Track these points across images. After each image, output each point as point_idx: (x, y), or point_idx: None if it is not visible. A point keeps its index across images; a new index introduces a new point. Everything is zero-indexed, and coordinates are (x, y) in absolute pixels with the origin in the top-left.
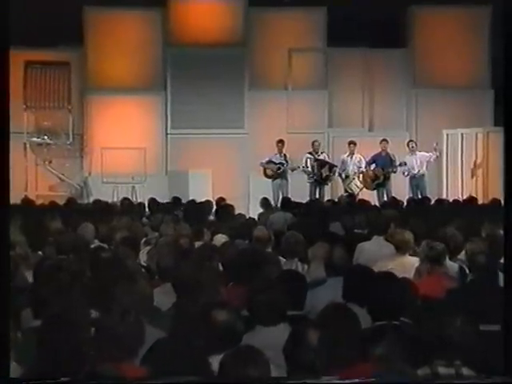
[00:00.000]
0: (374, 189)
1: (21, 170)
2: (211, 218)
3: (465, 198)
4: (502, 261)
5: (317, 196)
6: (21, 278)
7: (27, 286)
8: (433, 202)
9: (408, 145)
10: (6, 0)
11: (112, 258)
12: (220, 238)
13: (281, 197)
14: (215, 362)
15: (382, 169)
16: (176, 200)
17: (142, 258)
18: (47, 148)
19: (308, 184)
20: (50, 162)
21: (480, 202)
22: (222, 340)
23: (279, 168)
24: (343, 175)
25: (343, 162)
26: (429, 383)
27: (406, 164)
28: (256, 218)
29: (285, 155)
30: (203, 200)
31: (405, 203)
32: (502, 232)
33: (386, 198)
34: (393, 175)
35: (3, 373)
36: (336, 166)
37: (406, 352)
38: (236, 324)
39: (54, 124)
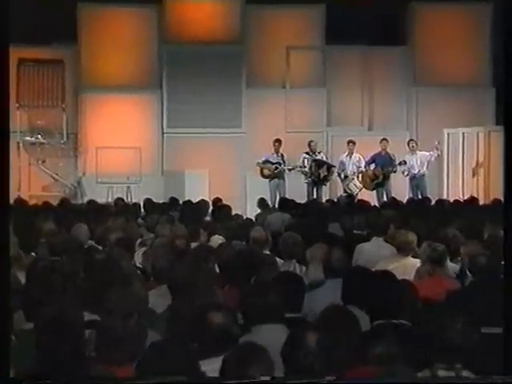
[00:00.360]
0: (374, 189)
1: (14, 170)
2: (208, 218)
3: (466, 198)
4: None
5: (314, 196)
6: (13, 279)
7: (19, 287)
8: (433, 202)
9: (408, 144)
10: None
11: (106, 260)
12: (217, 239)
13: (278, 197)
14: (211, 364)
15: (381, 168)
16: (173, 200)
17: (137, 259)
18: (41, 147)
19: (305, 184)
20: (44, 161)
21: (481, 202)
22: (218, 343)
23: (276, 168)
24: (342, 175)
25: (342, 162)
26: (428, 383)
27: (405, 163)
28: (253, 218)
29: (282, 155)
30: (199, 200)
31: (405, 204)
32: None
33: (385, 199)
34: (393, 175)
35: (3, 373)
36: (334, 166)
37: (406, 355)
38: (232, 326)
39: (48, 123)
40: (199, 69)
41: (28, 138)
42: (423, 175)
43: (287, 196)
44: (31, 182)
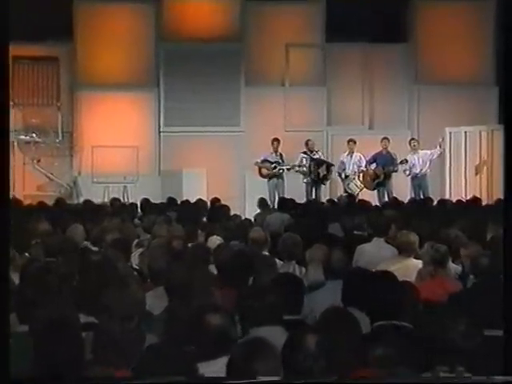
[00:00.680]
0: (375, 189)
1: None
2: (205, 219)
3: (468, 198)
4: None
5: (314, 196)
6: None
7: (13, 288)
8: (435, 202)
9: (410, 143)
10: None
11: (102, 261)
12: (215, 240)
13: (277, 197)
14: (210, 367)
15: (382, 168)
16: (170, 200)
17: (134, 260)
18: (35, 146)
19: (304, 184)
20: (39, 160)
21: (484, 202)
22: (216, 345)
23: (275, 167)
24: (343, 175)
25: (343, 162)
26: (428, 383)
27: (406, 161)
28: (252, 218)
29: (281, 154)
30: (197, 200)
31: (406, 204)
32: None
33: (386, 199)
34: (394, 175)
35: (3, 373)
36: (333, 165)
37: (408, 357)
38: (230, 329)
39: (43, 121)
40: (197, 66)
41: (22, 137)
42: (425, 175)
43: (286, 196)
44: (26, 182)
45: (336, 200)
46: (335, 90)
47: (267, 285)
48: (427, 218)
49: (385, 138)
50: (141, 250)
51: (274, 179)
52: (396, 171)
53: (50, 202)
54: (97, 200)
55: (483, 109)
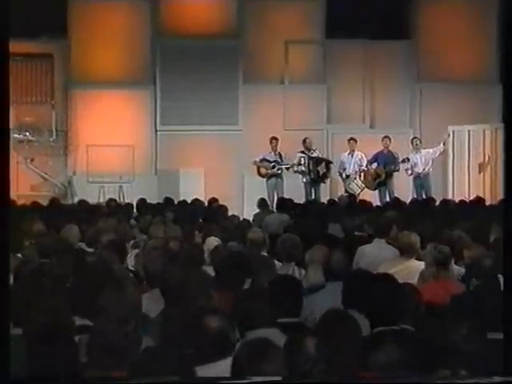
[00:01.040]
0: (376, 188)
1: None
2: (203, 219)
3: (472, 198)
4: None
5: (313, 196)
6: None
7: None
8: (438, 202)
9: (412, 142)
10: None
11: (98, 262)
12: (212, 241)
13: (276, 197)
14: (207, 370)
15: (383, 167)
16: (167, 201)
17: (130, 262)
18: (29, 145)
19: (304, 184)
20: (32, 159)
21: (488, 202)
22: (214, 348)
23: (274, 167)
24: (343, 174)
25: (343, 161)
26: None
27: (408, 160)
28: (250, 219)
29: (280, 153)
30: (194, 200)
31: (408, 204)
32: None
33: (388, 199)
34: (396, 174)
35: (3, 373)
36: (332, 163)
37: (409, 361)
38: (229, 331)
39: (37, 120)
40: (194, 64)
41: (16, 136)
42: (427, 174)
43: (285, 196)
44: (19, 181)
45: (336, 200)
46: (335, 87)
47: (264, 287)
48: (429, 219)
49: (386, 137)
50: (137, 251)
51: (273, 179)
52: (397, 170)
53: (44, 202)
54: (92, 200)
55: (487, 107)
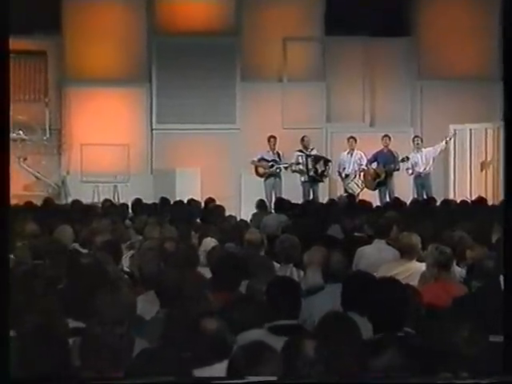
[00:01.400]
0: (376, 188)
1: None
2: (199, 219)
3: (473, 198)
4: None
5: (312, 196)
6: None
7: None
8: (439, 202)
9: (413, 141)
10: None
11: (92, 264)
12: (209, 242)
13: (274, 197)
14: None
15: (383, 167)
16: (163, 201)
17: (125, 263)
18: (22, 144)
19: (303, 183)
20: (25, 159)
21: (490, 202)
22: (211, 350)
23: (272, 166)
24: (343, 174)
25: (343, 160)
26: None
27: (408, 159)
28: (248, 219)
29: (278, 153)
30: (191, 200)
31: (409, 204)
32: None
33: (388, 199)
34: (396, 174)
35: (3, 373)
36: (330, 161)
37: (410, 363)
38: (225, 333)
39: (30, 118)
40: (191, 61)
41: None
42: (428, 174)
43: (284, 196)
44: (12, 181)
45: (336, 200)
46: (335, 85)
47: (261, 288)
48: (430, 219)
49: (386, 136)
50: (132, 252)
51: (271, 178)
52: (398, 170)
53: (38, 202)
54: (86, 200)
55: (489, 105)
